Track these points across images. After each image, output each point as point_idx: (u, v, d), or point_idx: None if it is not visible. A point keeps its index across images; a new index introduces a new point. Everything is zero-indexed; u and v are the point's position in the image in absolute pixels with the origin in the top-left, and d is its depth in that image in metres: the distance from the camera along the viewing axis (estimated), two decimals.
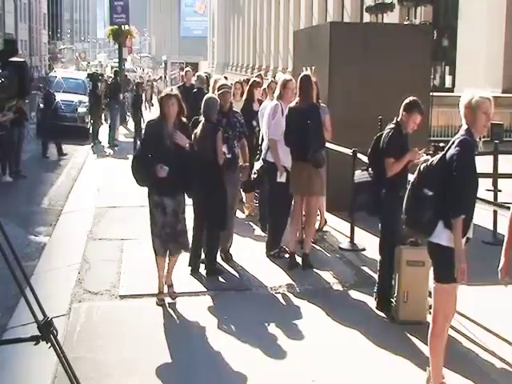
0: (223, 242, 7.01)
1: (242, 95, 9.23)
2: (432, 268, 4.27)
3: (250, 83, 9.29)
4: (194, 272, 6.65)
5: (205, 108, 6.60)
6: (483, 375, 4.61)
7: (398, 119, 5.59)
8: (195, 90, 11.42)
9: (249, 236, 8.10)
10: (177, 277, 6.53)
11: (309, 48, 10.08)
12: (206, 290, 6.26)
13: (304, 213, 7.11)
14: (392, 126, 5.61)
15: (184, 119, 5.86)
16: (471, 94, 4.07)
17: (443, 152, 4.23)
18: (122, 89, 20.05)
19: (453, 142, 4.13)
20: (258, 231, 8.29)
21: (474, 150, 4.07)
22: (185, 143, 5.71)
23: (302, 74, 7.00)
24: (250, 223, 8.74)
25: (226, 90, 7.04)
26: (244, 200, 9.28)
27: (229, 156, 6.79)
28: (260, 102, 8.86)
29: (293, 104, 6.87)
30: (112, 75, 21.63)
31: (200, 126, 6.56)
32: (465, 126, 4.12)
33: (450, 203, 3.97)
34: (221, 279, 6.56)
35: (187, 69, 14.58)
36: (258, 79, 9.78)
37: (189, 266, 6.70)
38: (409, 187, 4.30)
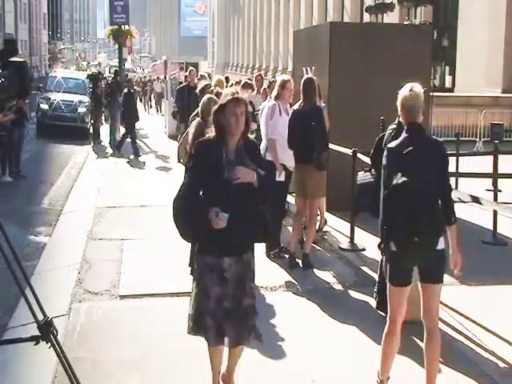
0: None
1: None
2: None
3: (240, 86, 9.29)
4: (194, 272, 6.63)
5: (204, 108, 6.60)
6: (483, 375, 4.61)
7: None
8: (197, 90, 11.39)
9: None
10: (177, 277, 6.54)
11: (309, 48, 10.07)
12: None
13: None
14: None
15: (252, 137, 4.15)
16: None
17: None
18: (122, 89, 20.01)
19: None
20: None
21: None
22: (251, 178, 3.76)
23: (305, 77, 7.02)
24: None
25: (212, 89, 7.07)
26: None
27: None
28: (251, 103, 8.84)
29: (296, 106, 6.89)
30: (112, 75, 21.60)
31: (194, 125, 6.56)
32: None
33: (449, 211, 4.15)
34: None
35: (191, 68, 14.58)
36: (248, 81, 9.77)
37: (189, 266, 6.70)
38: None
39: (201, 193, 3.82)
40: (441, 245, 3.99)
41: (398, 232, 3.97)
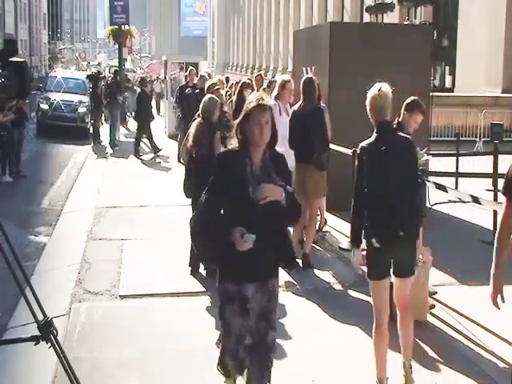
0: None
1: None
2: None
3: (239, 85, 9.29)
4: (194, 272, 6.64)
5: (204, 108, 6.61)
6: (483, 375, 4.61)
7: (400, 119, 5.59)
8: (197, 90, 11.41)
9: None
10: (177, 277, 6.55)
11: (309, 48, 10.07)
12: (205, 290, 6.25)
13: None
14: (393, 126, 5.62)
15: (280, 150, 3.63)
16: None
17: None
18: (121, 89, 20.02)
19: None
20: None
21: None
22: (279, 196, 3.36)
23: (305, 77, 7.02)
24: None
25: (215, 89, 7.07)
26: None
27: None
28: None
29: (297, 107, 6.89)
30: (112, 75, 21.60)
31: (195, 125, 6.56)
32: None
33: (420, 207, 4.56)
34: None
35: (190, 68, 14.58)
36: (247, 81, 9.78)
37: (189, 266, 6.70)
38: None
39: (222, 211, 3.46)
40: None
41: (382, 229, 4.06)
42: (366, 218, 4.09)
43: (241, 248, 3.31)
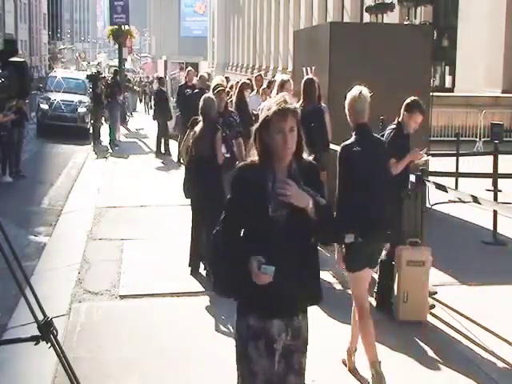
0: None
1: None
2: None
3: (239, 85, 9.29)
4: (194, 272, 6.64)
5: (203, 107, 6.61)
6: (483, 375, 4.61)
7: (399, 119, 5.59)
8: (197, 90, 11.42)
9: None
10: (177, 277, 6.55)
11: (309, 48, 10.07)
12: (205, 290, 6.25)
13: None
14: (393, 126, 5.62)
15: (310, 158, 3.07)
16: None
17: None
18: (121, 88, 20.02)
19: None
20: None
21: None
22: (305, 204, 2.82)
23: (305, 78, 7.03)
24: None
25: (221, 89, 7.07)
26: None
27: (227, 155, 6.83)
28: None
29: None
30: (111, 75, 21.60)
31: (199, 125, 6.57)
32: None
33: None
34: None
35: (189, 69, 14.59)
36: (246, 81, 9.78)
37: (189, 266, 6.70)
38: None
39: (242, 233, 2.99)
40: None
41: (366, 225, 4.26)
42: (348, 214, 4.17)
43: (258, 281, 2.80)
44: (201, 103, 6.63)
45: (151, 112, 31.81)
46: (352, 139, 4.35)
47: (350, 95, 4.41)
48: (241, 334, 2.99)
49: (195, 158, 6.54)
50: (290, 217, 2.86)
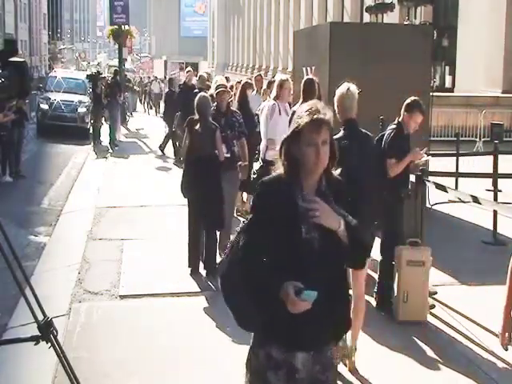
0: (222, 240, 7.03)
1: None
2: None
3: (241, 85, 9.30)
4: (194, 272, 6.64)
5: (198, 107, 6.64)
6: (483, 375, 4.61)
7: (399, 119, 5.59)
8: (196, 90, 11.42)
9: None
10: (177, 277, 6.55)
11: (309, 48, 10.07)
12: (205, 290, 6.25)
13: None
14: (393, 126, 5.62)
15: (336, 173, 2.80)
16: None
17: None
18: (121, 88, 20.01)
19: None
20: None
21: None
22: (336, 225, 2.55)
23: (306, 77, 7.03)
24: None
25: (223, 89, 7.06)
26: (245, 200, 9.29)
27: (227, 155, 6.83)
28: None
29: (297, 107, 6.89)
30: (111, 75, 21.60)
31: (199, 124, 6.58)
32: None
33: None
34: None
35: (188, 69, 14.60)
36: (249, 80, 9.79)
37: (188, 266, 6.70)
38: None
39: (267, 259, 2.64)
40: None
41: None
42: None
43: (295, 309, 2.44)
44: (196, 102, 6.65)
45: (151, 112, 31.93)
46: (340, 134, 4.47)
47: (338, 92, 4.57)
48: (259, 363, 2.70)
49: (194, 158, 6.55)
50: (322, 239, 2.56)
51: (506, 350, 3.16)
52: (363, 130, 4.72)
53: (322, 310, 2.53)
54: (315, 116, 2.57)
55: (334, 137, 4.38)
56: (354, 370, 4.59)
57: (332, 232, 2.53)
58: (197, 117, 6.62)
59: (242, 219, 8.90)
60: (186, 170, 6.77)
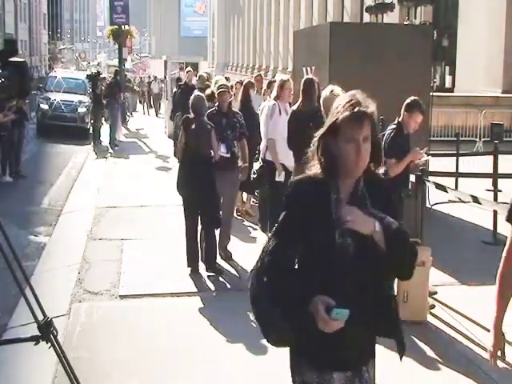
0: (222, 240, 7.04)
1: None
2: None
3: (243, 84, 9.30)
4: (194, 272, 6.64)
5: (193, 106, 6.67)
6: (483, 375, 4.61)
7: (400, 119, 5.59)
8: (196, 90, 11.42)
9: (249, 236, 8.10)
10: (177, 277, 6.55)
11: (309, 48, 10.07)
12: (205, 290, 6.25)
13: None
14: (393, 126, 5.62)
15: (381, 172, 2.58)
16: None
17: None
18: (121, 88, 20.00)
19: None
20: (257, 231, 8.29)
21: None
22: (369, 229, 2.30)
23: (305, 77, 7.03)
24: (250, 223, 8.74)
25: (224, 89, 7.06)
26: (245, 200, 9.29)
27: (227, 155, 6.83)
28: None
29: (295, 107, 6.90)
30: (110, 75, 21.59)
31: (194, 124, 6.60)
32: None
33: None
34: (221, 279, 6.56)
35: (188, 69, 14.59)
36: (252, 80, 9.80)
37: (188, 266, 6.70)
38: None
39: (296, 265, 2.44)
40: None
41: None
42: None
43: (326, 328, 2.23)
44: (191, 102, 6.68)
45: (151, 112, 31.86)
46: None
47: (322, 94, 4.95)
48: None
49: (189, 157, 6.58)
50: (357, 244, 2.31)
51: (495, 365, 2.85)
52: None
53: (357, 326, 2.29)
54: (356, 109, 2.32)
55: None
56: None
57: (367, 237, 2.28)
58: (192, 116, 6.65)
59: (240, 219, 8.91)
60: (180, 168, 6.78)
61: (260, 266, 2.45)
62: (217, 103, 7.12)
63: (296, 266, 2.44)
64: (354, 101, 2.35)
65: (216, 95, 7.16)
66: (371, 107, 2.36)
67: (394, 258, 2.31)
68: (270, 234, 2.51)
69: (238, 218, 8.80)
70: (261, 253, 2.48)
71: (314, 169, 2.44)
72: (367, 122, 2.34)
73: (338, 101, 2.41)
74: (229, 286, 6.37)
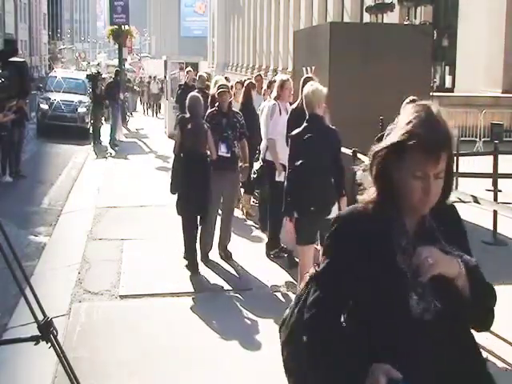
0: (222, 240, 7.05)
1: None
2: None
3: (245, 85, 9.30)
4: (194, 272, 6.64)
5: (189, 106, 6.68)
6: None
7: None
8: (196, 90, 11.42)
9: (249, 236, 8.10)
10: (177, 277, 6.55)
11: (309, 48, 10.07)
12: (205, 290, 6.25)
13: None
14: (393, 126, 5.63)
15: (451, 200, 2.00)
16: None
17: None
18: (121, 88, 20.00)
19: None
20: (257, 231, 8.29)
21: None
22: (454, 269, 1.79)
23: (305, 76, 7.03)
24: (250, 223, 8.74)
25: (224, 89, 7.06)
26: (244, 200, 9.29)
27: (228, 155, 6.85)
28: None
29: (295, 105, 6.90)
30: (109, 74, 21.57)
31: (190, 124, 6.62)
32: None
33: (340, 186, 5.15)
34: (221, 279, 6.56)
35: (188, 69, 14.60)
36: (253, 80, 9.79)
37: (187, 266, 6.69)
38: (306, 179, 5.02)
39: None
40: (334, 213, 4.81)
41: (299, 203, 5.06)
42: (290, 193, 5.08)
43: None
44: (187, 102, 6.70)
45: (151, 112, 31.82)
46: (301, 128, 5.11)
47: (304, 90, 5.23)
48: None
49: (184, 156, 6.61)
50: (440, 296, 1.78)
51: None
52: (328, 125, 5.33)
53: None
54: (431, 135, 1.71)
55: (296, 131, 5.04)
56: None
57: (452, 282, 1.78)
58: (188, 116, 6.67)
59: (241, 218, 8.91)
60: (174, 167, 6.80)
61: (298, 320, 1.95)
62: (217, 103, 7.13)
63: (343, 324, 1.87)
64: (432, 119, 1.75)
65: (216, 95, 7.16)
66: (451, 128, 1.76)
67: (479, 305, 1.91)
68: (308, 277, 2.02)
69: (241, 217, 8.81)
70: (298, 300, 2.03)
71: (367, 194, 1.88)
72: (445, 152, 1.74)
73: (408, 112, 1.87)
74: (229, 286, 6.37)
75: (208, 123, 6.88)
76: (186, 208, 6.62)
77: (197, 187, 6.45)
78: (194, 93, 7.22)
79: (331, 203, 5.11)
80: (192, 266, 6.66)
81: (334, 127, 5.35)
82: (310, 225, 5.13)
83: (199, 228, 6.77)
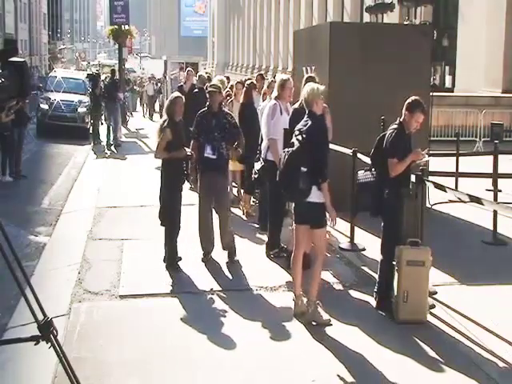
0: (222, 238, 7.06)
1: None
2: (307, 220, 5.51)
3: (246, 85, 9.29)
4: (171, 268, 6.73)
5: (166, 108, 6.74)
6: (483, 375, 4.61)
7: (401, 119, 5.59)
8: (196, 90, 11.44)
9: (249, 236, 8.10)
10: (177, 277, 6.55)
11: (309, 48, 10.07)
12: (206, 289, 6.25)
13: None
14: (395, 126, 5.62)
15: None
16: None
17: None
18: (120, 88, 19.98)
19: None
20: (257, 231, 8.29)
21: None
22: None
23: (306, 76, 7.04)
24: (250, 223, 8.74)
25: (214, 89, 6.99)
26: (244, 200, 9.28)
27: (213, 157, 6.83)
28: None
29: (297, 105, 6.90)
30: (107, 74, 21.55)
31: (169, 125, 6.64)
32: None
33: (319, 172, 5.35)
34: (221, 279, 6.56)
35: (189, 69, 14.61)
36: (254, 81, 9.78)
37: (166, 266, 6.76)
38: (282, 169, 5.44)
39: None
40: (311, 199, 5.31)
41: (284, 192, 5.65)
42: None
43: None
44: (166, 104, 6.75)
45: (147, 114, 31.69)
46: (302, 122, 5.56)
47: (303, 90, 5.67)
48: None
49: (166, 158, 6.83)
50: None
51: None
52: (324, 122, 5.78)
53: None
54: None
55: (299, 125, 5.46)
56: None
57: None
58: (166, 118, 6.70)
59: (238, 217, 8.91)
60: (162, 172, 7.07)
61: None
62: (207, 103, 7.08)
63: None
64: None
65: (207, 95, 7.15)
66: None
67: None
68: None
69: (237, 216, 8.80)
70: None
71: None
72: None
73: None
74: (229, 286, 6.37)
75: (197, 123, 6.89)
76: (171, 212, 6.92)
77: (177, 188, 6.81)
78: (175, 94, 7.18)
79: (305, 191, 5.43)
80: (172, 268, 6.74)
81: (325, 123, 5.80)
82: (298, 207, 5.58)
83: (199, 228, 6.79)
